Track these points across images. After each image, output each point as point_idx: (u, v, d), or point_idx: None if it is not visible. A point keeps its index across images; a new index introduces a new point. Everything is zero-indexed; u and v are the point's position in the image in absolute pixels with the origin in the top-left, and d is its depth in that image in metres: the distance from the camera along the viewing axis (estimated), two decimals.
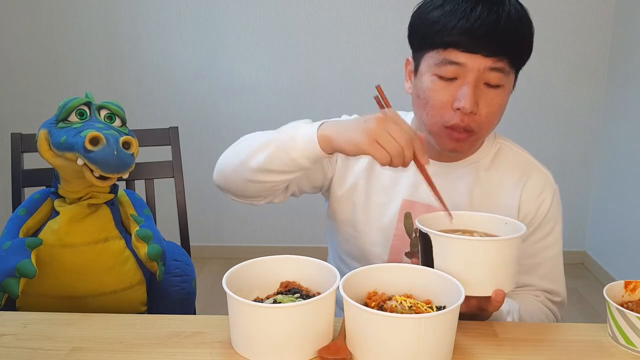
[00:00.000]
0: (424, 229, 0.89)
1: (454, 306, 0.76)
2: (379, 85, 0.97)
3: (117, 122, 1.05)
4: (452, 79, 0.99)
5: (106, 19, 2.99)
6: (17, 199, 1.34)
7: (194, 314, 1.25)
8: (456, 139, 1.02)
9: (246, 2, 2.97)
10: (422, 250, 0.92)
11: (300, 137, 0.94)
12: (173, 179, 1.45)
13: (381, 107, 0.95)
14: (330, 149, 0.93)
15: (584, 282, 2.94)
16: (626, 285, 0.91)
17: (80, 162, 0.95)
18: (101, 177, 0.96)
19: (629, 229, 2.78)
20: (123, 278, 1.05)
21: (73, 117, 1.01)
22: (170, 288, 1.13)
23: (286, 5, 2.96)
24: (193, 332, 0.89)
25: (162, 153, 1.46)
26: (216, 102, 3.10)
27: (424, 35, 1.02)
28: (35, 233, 1.04)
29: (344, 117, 1.17)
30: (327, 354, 0.80)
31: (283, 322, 0.79)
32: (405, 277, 0.88)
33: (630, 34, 2.79)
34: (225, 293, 0.81)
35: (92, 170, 0.95)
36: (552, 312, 1.13)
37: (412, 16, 1.06)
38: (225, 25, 3.00)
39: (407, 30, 1.07)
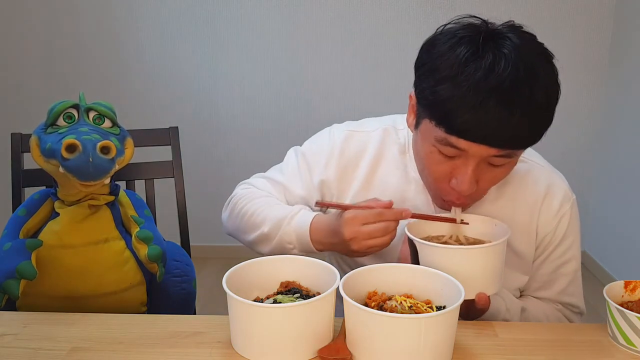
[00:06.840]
0: (410, 236, 0.92)
1: (454, 306, 0.77)
2: (318, 202, 1.03)
3: (107, 124, 1.01)
4: (452, 157, 0.90)
5: (106, 18, 2.99)
6: (17, 199, 1.34)
7: (194, 314, 1.25)
8: (452, 204, 0.98)
9: (246, 2, 2.97)
10: (412, 254, 0.94)
11: (296, 242, 1.03)
12: (173, 179, 1.45)
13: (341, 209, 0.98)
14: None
15: (584, 282, 2.91)
16: (626, 285, 0.91)
17: (61, 169, 0.93)
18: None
19: (629, 229, 2.78)
20: (123, 278, 1.05)
21: (61, 121, 0.98)
22: (170, 288, 1.12)
23: (286, 5, 2.96)
24: (193, 332, 0.89)
25: (162, 153, 1.46)
26: (216, 102, 3.10)
27: (426, 101, 0.89)
28: (36, 233, 1.04)
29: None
30: (327, 354, 0.80)
31: (283, 322, 0.79)
32: (405, 277, 0.88)
33: (630, 34, 2.79)
34: (225, 293, 0.81)
35: None
36: (567, 317, 1.12)
37: (420, 57, 0.91)
38: (226, 25, 3.00)
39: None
